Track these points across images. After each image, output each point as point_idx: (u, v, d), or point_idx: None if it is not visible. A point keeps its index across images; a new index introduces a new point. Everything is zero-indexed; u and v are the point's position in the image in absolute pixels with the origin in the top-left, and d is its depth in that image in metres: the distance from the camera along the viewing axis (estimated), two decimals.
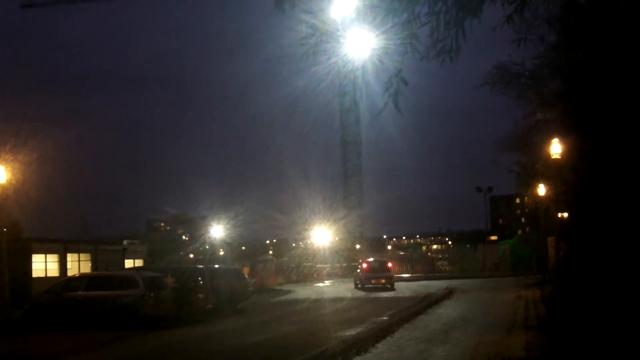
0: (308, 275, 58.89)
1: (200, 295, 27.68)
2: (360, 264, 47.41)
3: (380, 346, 16.62)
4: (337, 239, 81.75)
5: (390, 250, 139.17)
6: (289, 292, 46.99)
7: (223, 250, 72.32)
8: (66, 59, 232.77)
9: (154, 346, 19.82)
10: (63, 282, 26.83)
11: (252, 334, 21.46)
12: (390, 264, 47.39)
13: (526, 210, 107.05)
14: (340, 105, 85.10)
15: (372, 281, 44.16)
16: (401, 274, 61.11)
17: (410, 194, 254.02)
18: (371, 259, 48.70)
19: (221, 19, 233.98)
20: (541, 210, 43.25)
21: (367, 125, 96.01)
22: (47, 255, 39.71)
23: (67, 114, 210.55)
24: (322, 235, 75.55)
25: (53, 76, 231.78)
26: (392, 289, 43.55)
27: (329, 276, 63.19)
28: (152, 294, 24.16)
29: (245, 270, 50.25)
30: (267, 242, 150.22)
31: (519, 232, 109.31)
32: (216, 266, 34.75)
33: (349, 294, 41.30)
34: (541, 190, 37.61)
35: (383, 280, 44.34)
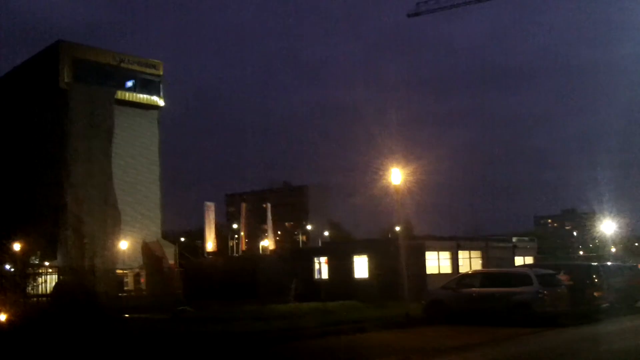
0: None
1: (595, 293, 26.81)
2: None
3: None
4: None
5: None
6: None
7: (615, 246, 68.53)
8: (454, 61, 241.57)
9: (552, 344, 19.65)
10: (457, 278, 27.71)
11: None
12: None
13: None
14: None
15: None
16: None
17: None
18: None
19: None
20: None
21: None
22: (440, 252, 41.09)
23: (456, 113, 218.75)
24: None
25: (441, 79, 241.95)
26: None
27: None
28: (546, 292, 23.97)
29: None
30: None
31: None
32: (610, 263, 33.39)
33: None
34: None
35: None
